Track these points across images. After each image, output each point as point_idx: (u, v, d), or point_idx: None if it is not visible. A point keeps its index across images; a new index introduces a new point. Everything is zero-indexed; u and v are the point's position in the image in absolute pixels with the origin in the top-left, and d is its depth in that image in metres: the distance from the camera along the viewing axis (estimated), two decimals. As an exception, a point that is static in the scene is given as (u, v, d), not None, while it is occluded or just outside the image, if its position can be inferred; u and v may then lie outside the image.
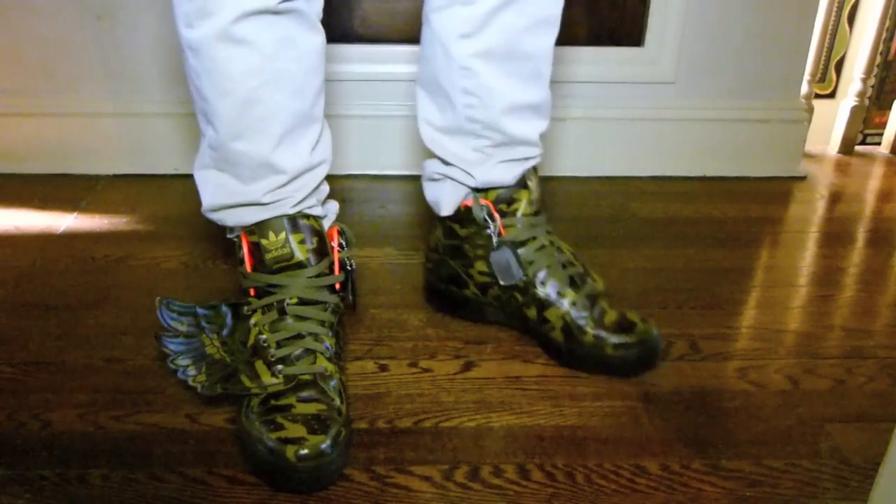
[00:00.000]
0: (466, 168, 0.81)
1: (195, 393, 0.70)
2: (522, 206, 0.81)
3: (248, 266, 0.74)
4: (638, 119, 1.35)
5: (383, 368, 0.82)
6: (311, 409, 0.66)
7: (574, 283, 0.81)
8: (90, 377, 0.79)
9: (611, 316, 0.80)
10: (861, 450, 0.71)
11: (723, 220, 1.22)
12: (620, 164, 1.38)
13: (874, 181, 1.42)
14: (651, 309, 0.94)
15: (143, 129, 1.31)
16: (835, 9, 1.50)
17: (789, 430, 0.73)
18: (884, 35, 1.47)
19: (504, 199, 0.81)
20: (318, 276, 0.72)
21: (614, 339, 0.78)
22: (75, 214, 1.18)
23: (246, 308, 0.73)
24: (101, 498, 0.63)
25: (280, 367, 0.68)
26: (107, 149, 1.32)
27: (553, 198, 1.29)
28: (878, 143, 1.59)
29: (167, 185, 1.30)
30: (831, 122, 1.57)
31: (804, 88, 1.43)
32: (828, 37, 1.51)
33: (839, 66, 1.58)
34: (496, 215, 0.81)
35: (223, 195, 0.74)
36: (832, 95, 1.60)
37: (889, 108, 1.56)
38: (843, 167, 1.49)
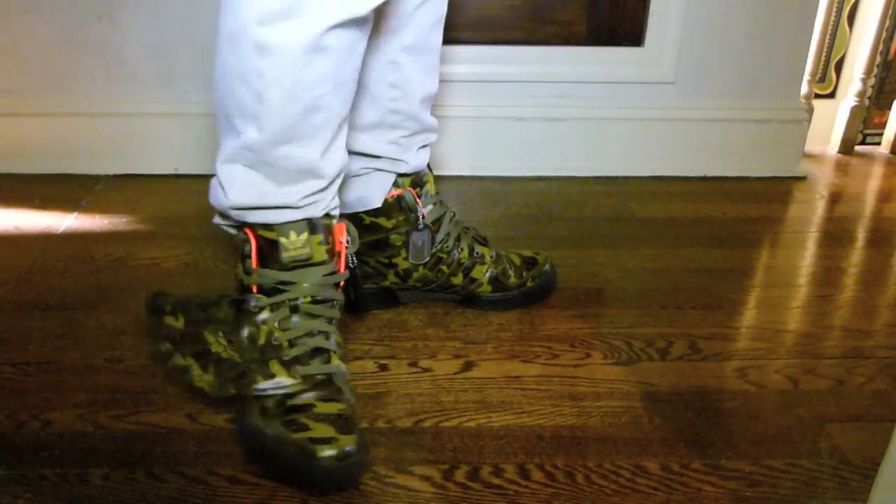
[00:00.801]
0: (394, 156, 0.84)
1: (200, 393, 0.70)
2: (431, 187, 0.88)
3: (254, 262, 0.71)
4: (638, 119, 1.35)
5: (383, 368, 0.82)
6: (333, 408, 0.66)
7: (480, 241, 0.93)
8: (90, 377, 0.79)
9: (515, 258, 0.94)
10: (861, 450, 0.71)
11: (723, 220, 1.22)
12: (620, 164, 1.38)
13: (874, 181, 1.42)
14: (651, 309, 0.94)
15: (143, 129, 1.31)
16: (835, 9, 1.50)
17: (789, 430, 0.73)
18: (884, 35, 1.47)
19: (417, 183, 0.87)
20: (330, 273, 0.72)
21: (531, 272, 0.93)
22: (75, 214, 1.18)
23: (253, 304, 0.70)
24: (101, 498, 0.64)
25: (298, 367, 0.68)
26: (107, 149, 1.32)
27: (553, 198, 1.29)
28: (878, 143, 1.59)
29: (167, 185, 1.30)
30: (831, 122, 1.57)
31: (804, 88, 1.43)
32: (828, 37, 1.51)
33: (839, 66, 1.58)
34: (418, 200, 0.86)
35: (253, 195, 0.69)
36: (832, 95, 1.60)
37: (889, 107, 1.56)
38: (843, 167, 1.49)
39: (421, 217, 0.86)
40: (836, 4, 1.49)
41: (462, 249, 0.90)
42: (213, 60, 0.66)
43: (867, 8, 1.50)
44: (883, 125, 1.58)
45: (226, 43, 0.63)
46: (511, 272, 0.92)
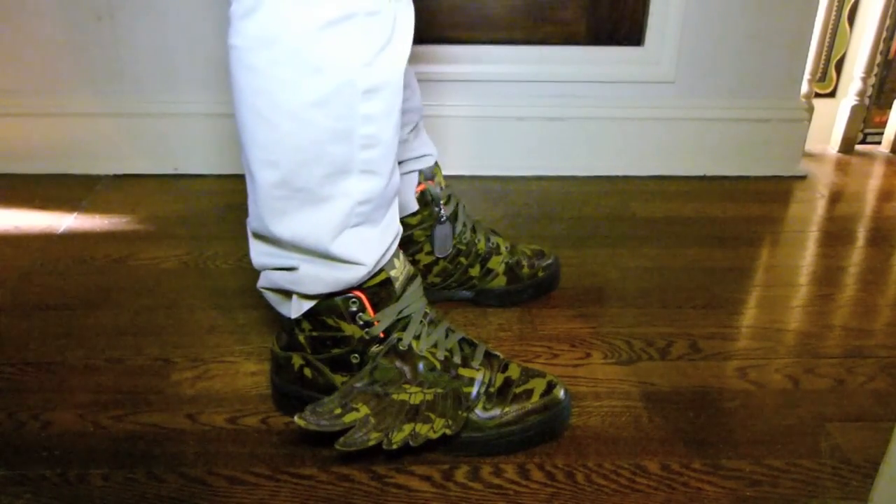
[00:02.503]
0: (414, 155, 0.85)
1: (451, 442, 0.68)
2: (440, 178, 0.88)
3: (371, 311, 0.67)
4: (638, 119, 1.35)
5: (383, 368, 0.82)
6: (516, 368, 0.72)
7: (494, 232, 0.95)
8: (90, 377, 0.79)
9: (525, 250, 0.95)
10: (861, 449, 0.71)
11: (723, 220, 1.22)
12: (620, 164, 1.38)
13: (874, 180, 1.42)
14: (651, 309, 0.94)
15: (142, 129, 1.31)
16: (835, 8, 1.50)
17: (789, 430, 0.73)
18: (884, 34, 1.47)
19: (429, 176, 0.87)
20: (416, 276, 0.71)
21: (542, 263, 0.94)
22: (75, 214, 1.18)
23: (401, 343, 0.67)
24: (101, 498, 0.64)
25: (472, 361, 0.70)
26: (107, 149, 1.32)
27: (553, 198, 1.29)
28: (879, 143, 1.59)
29: (167, 185, 1.30)
30: (831, 121, 1.57)
31: (804, 88, 1.43)
32: (828, 36, 1.51)
33: (839, 66, 1.58)
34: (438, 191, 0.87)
35: (382, 247, 0.65)
36: (832, 95, 1.60)
37: (889, 107, 1.56)
38: (844, 166, 1.49)
39: (441, 211, 0.87)
40: (836, 4, 1.49)
41: (479, 240, 0.91)
42: (263, 139, 0.58)
43: (867, 7, 1.50)
44: (883, 124, 1.58)
45: (310, 111, 0.56)
46: (524, 262, 0.93)
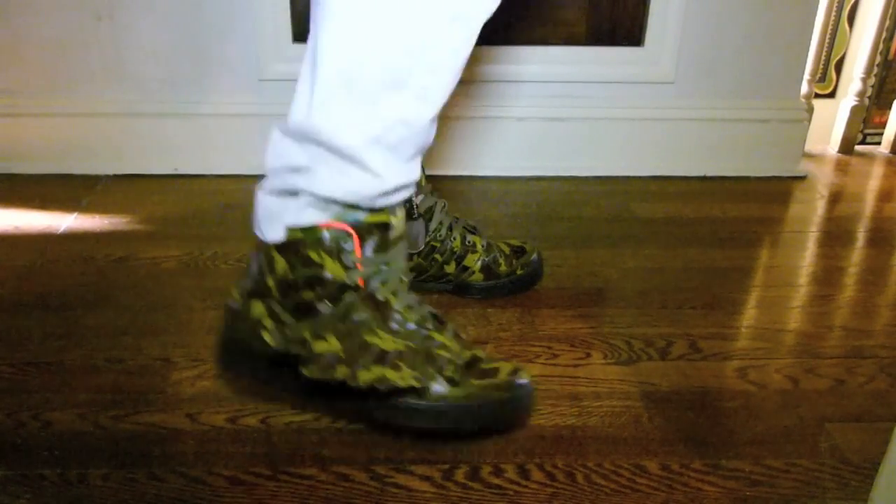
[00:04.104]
0: None
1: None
2: (422, 177, 0.89)
3: (358, 252, 0.64)
4: (638, 119, 1.35)
5: (383, 368, 0.82)
6: (476, 350, 0.70)
7: (470, 230, 0.95)
8: (90, 377, 0.79)
9: (504, 248, 0.96)
10: (861, 449, 0.71)
11: (723, 220, 1.22)
12: (620, 164, 1.38)
13: (874, 181, 1.42)
14: (651, 309, 0.94)
15: (143, 129, 1.31)
16: (835, 8, 1.50)
17: (789, 430, 0.73)
18: (884, 35, 1.47)
19: None
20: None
21: (522, 260, 0.95)
22: (75, 214, 1.18)
23: (380, 295, 0.66)
24: (101, 498, 0.64)
25: (445, 332, 0.68)
26: (107, 149, 1.32)
27: (553, 198, 1.29)
28: (878, 143, 1.59)
29: (167, 185, 1.30)
30: (831, 121, 1.57)
31: (804, 88, 1.43)
32: (828, 36, 1.51)
33: (839, 66, 1.58)
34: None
35: (402, 175, 0.64)
36: (832, 95, 1.60)
37: (889, 107, 1.56)
38: (843, 167, 1.49)
39: (414, 207, 0.88)
40: (836, 4, 1.49)
41: (454, 238, 0.92)
42: (345, 25, 0.58)
43: (867, 7, 1.50)
44: (883, 125, 1.58)
45: (411, 9, 0.58)
46: (501, 260, 0.94)
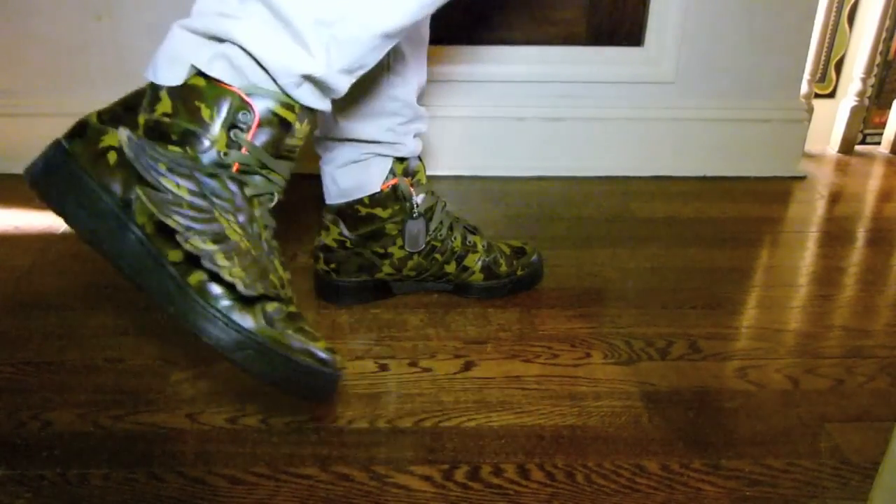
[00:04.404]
0: (392, 141, 0.85)
1: (230, 290, 0.57)
2: (422, 176, 0.89)
3: (250, 135, 0.59)
4: (638, 119, 1.35)
5: (383, 368, 0.82)
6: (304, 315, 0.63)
7: (471, 231, 0.95)
8: (90, 377, 0.79)
9: (504, 248, 0.96)
10: (861, 449, 0.71)
11: (723, 220, 1.22)
12: (620, 164, 1.38)
13: (874, 181, 1.42)
14: (651, 309, 0.94)
15: (143, 129, 1.31)
16: (835, 8, 1.50)
17: (789, 430, 0.73)
18: (884, 35, 1.47)
19: (409, 173, 0.88)
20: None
21: (521, 262, 0.96)
22: (75, 214, 1.17)
23: (249, 189, 0.60)
24: (101, 498, 0.64)
25: (284, 273, 0.62)
26: (107, 149, 1.32)
27: (553, 198, 1.29)
28: (878, 143, 1.59)
29: (167, 185, 1.30)
30: (831, 121, 1.57)
31: (804, 88, 1.43)
32: (828, 36, 1.51)
33: (839, 66, 1.58)
34: (411, 189, 0.88)
35: (328, 65, 0.60)
36: (832, 95, 1.60)
37: (889, 107, 1.56)
38: (843, 167, 1.49)
39: (415, 205, 0.87)
40: (836, 4, 1.49)
41: (455, 238, 0.92)
42: None
43: (867, 7, 1.50)
44: (883, 125, 1.58)
45: None
46: (502, 261, 0.94)
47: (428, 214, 0.89)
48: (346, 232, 0.89)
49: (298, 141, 0.63)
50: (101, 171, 0.61)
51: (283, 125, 0.61)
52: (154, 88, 0.61)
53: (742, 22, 1.29)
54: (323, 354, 0.60)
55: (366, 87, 0.82)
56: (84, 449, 0.69)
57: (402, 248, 0.89)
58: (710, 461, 0.69)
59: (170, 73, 0.59)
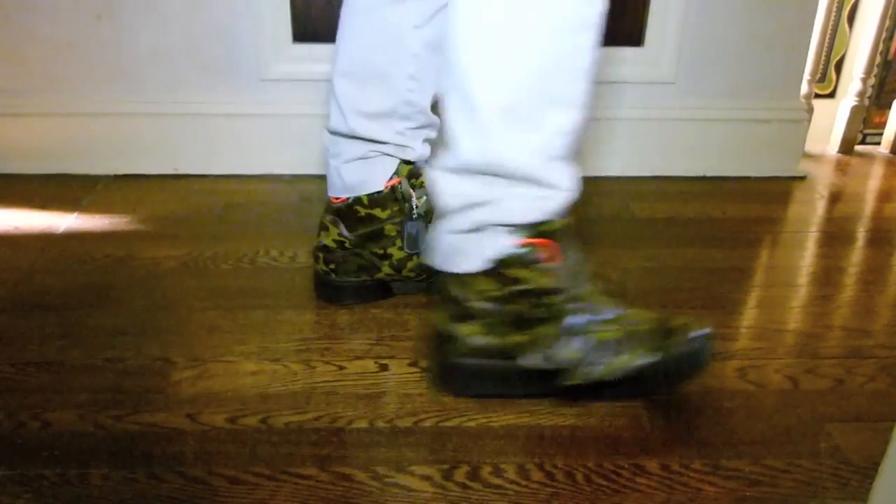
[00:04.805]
0: (401, 143, 0.86)
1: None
2: (426, 180, 0.89)
3: (556, 259, 0.73)
4: (638, 119, 1.35)
5: (384, 368, 0.82)
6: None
7: None
8: (90, 377, 0.79)
9: None
10: (861, 449, 0.71)
11: (723, 220, 1.22)
12: (620, 164, 1.38)
13: (874, 181, 1.42)
14: (651, 309, 0.94)
15: (143, 129, 1.31)
16: (835, 8, 1.50)
17: (789, 430, 0.73)
18: (884, 35, 1.47)
19: (415, 174, 0.88)
20: None
21: None
22: (75, 214, 1.18)
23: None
24: (101, 498, 0.64)
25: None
26: (107, 149, 1.32)
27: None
28: (878, 143, 1.59)
29: (167, 185, 1.30)
30: (831, 121, 1.57)
31: (804, 88, 1.43)
32: (828, 36, 1.51)
33: (839, 66, 1.58)
34: (412, 190, 0.88)
35: (570, 181, 0.71)
36: (832, 95, 1.60)
37: (889, 107, 1.56)
38: (843, 167, 1.49)
39: (414, 207, 0.88)
40: (836, 4, 1.49)
41: None
42: (501, 61, 0.63)
43: (867, 8, 1.50)
44: (883, 125, 1.58)
45: (567, 33, 0.63)
46: None
47: (428, 216, 0.89)
48: (345, 232, 0.89)
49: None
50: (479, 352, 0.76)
51: (566, 230, 0.73)
52: (458, 277, 0.73)
53: (742, 22, 1.29)
54: (685, 334, 0.71)
55: (384, 89, 0.84)
56: (84, 449, 0.69)
57: (401, 249, 0.89)
58: (710, 461, 0.69)
59: (467, 264, 0.72)
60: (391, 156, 0.86)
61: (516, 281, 0.70)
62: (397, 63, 0.83)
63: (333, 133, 0.87)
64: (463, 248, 0.72)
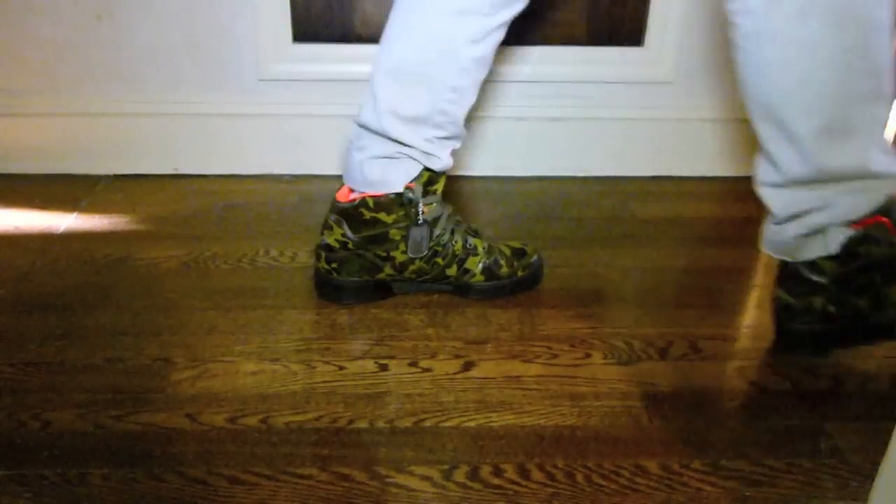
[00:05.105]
0: (428, 151, 0.86)
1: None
2: (439, 187, 0.91)
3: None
4: (638, 119, 1.35)
5: (383, 368, 0.82)
6: None
7: (472, 234, 0.95)
8: (90, 377, 0.79)
9: (505, 249, 0.97)
10: (861, 450, 0.71)
11: (723, 220, 1.22)
12: (621, 165, 1.38)
13: (874, 181, 1.42)
14: (651, 309, 0.94)
15: (143, 129, 1.31)
16: (835, 9, 1.49)
17: (789, 430, 0.73)
18: (884, 35, 1.47)
19: (432, 182, 0.89)
20: None
21: (521, 263, 0.96)
22: (75, 214, 1.18)
23: None
24: (101, 498, 0.64)
25: None
26: (107, 149, 1.32)
27: (553, 198, 1.29)
28: (879, 143, 1.59)
29: (167, 185, 1.30)
30: (831, 121, 1.57)
31: (804, 88, 1.43)
32: (828, 37, 1.51)
33: (839, 66, 1.58)
34: (420, 198, 0.88)
35: None
36: (832, 95, 1.60)
37: (889, 107, 1.56)
38: (843, 167, 1.49)
39: (420, 213, 0.87)
40: (836, 4, 1.49)
41: (456, 242, 0.92)
42: (809, 94, 0.70)
43: (867, 8, 1.50)
44: (883, 125, 1.58)
45: (845, 56, 0.68)
46: (503, 262, 0.95)
47: (434, 223, 0.89)
48: (349, 233, 0.89)
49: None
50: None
51: None
52: (814, 262, 0.82)
53: (742, 22, 1.29)
54: None
55: (424, 95, 0.83)
56: (84, 449, 0.69)
57: (404, 252, 0.89)
58: (710, 461, 0.69)
59: (807, 253, 0.81)
60: (416, 160, 0.86)
61: (860, 256, 0.77)
62: (444, 73, 0.82)
63: (362, 126, 0.87)
64: (806, 244, 0.79)
